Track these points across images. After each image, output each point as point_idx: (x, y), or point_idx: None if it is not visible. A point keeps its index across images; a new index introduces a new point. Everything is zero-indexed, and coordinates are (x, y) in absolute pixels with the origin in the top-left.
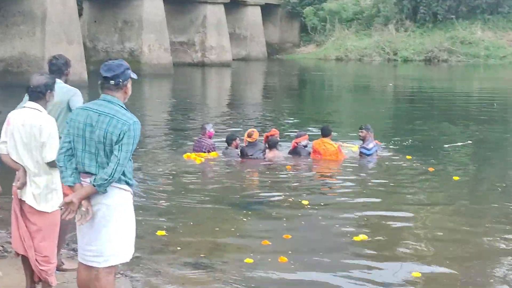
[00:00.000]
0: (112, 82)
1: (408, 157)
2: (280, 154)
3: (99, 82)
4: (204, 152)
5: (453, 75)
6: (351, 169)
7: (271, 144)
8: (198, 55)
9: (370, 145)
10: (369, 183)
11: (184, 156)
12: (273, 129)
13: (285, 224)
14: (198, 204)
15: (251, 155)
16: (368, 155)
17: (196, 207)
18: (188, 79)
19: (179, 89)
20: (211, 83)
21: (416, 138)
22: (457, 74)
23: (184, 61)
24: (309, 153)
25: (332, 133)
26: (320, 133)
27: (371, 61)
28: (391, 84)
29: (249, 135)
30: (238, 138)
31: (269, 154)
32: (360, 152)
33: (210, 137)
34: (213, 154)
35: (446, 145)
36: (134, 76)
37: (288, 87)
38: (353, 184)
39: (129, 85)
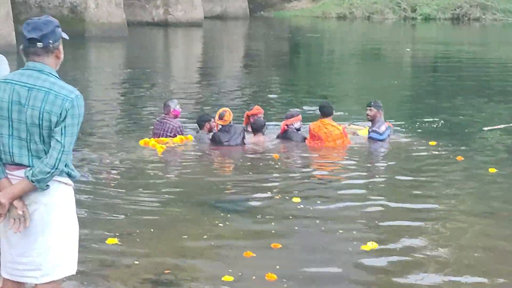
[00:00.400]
0: (40, 44)
1: (432, 143)
2: (266, 139)
3: (21, 46)
4: (168, 136)
5: (488, 38)
6: (357, 158)
7: (255, 127)
8: (159, 12)
9: (382, 128)
10: (380, 176)
11: (141, 142)
12: (256, 106)
13: (273, 231)
14: (160, 204)
15: (226, 142)
16: (380, 140)
17: (157, 208)
18: (146, 43)
19: (134, 56)
20: (177, 48)
21: (441, 118)
22: (492, 36)
23: (141, 20)
24: (304, 138)
25: (334, 112)
26: (318, 112)
27: (383, 20)
28: (408, 50)
29: (221, 117)
30: (212, 119)
31: (252, 139)
32: (369, 137)
33: (175, 117)
34: (177, 139)
35: (485, 128)
36: (65, 36)
37: (276, 53)
38: (360, 177)
39: (61, 48)
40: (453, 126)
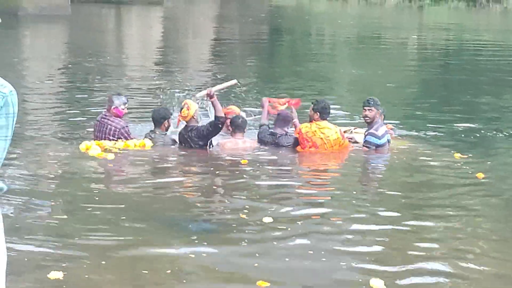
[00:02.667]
0: None
1: (456, 155)
2: (247, 143)
3: None
4: (111, 140)
5: (510, 24)
6: (351, 169)
7: (236, 126)
8: None
9: (381, 131)
10: (378, 193)
11: (82, 149)
12: (230, 107)
13: (256, 263)
14: (110, 228)
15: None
16: (378, 146)
17: (108, 231)
18: (93, 24)
19: (78, 39)
20: (130, 31)
21: (455, 120)
22: None
23: None
24: (295, 142)
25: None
26: (309, 112)
27: (384, 1)
28: (414, 36)
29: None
30: (171, 117)
31: (228, 142)
32: (365, 141)
33: (118, 116)
34: (127, 145)
35: None
36: None
37: (253, 39)
38: (355, 193)
39: None
40: (470, 131)
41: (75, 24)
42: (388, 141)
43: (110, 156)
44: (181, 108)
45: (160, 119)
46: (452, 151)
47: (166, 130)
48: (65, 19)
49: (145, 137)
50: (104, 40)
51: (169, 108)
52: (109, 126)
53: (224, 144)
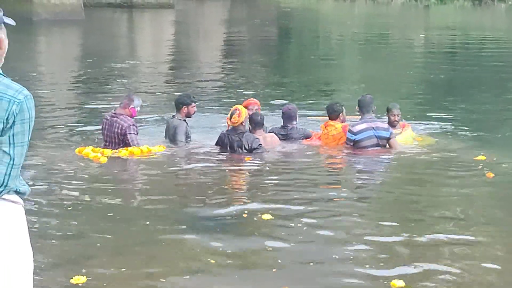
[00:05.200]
0: None
1: (481, 157)
2: (273, 138)
3: None
4: (119, 138)
5: None
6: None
7: (256, 123)
8: None
9: (359, 127)
10: (378, 191)
11: (80, 153)
12: (251, 99)
13: (274, 270)
14: (124, 227)
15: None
16: (355, 141)
17: (123, 234)
18: (106, 28)
19: (92, 43)
20: (143, 33)
21: (463, 119)
22: None
23: (101, 1)
24: (305, 137)
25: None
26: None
27: (391, 0)
28: (422, 36)
29: (230, 116)
30: (193, 104)
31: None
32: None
33: (131, 116)
34: (134, 151)
35: None
36: (10, 21)
37: (262, 41)
38: (359, 194)
39: (3, 36)
40: (476, 129)
41: (89, 28)
42: (378, 136)
43: (103, 160)
44: (232, 114)
45: (178, 104)
46: (475, 152)
47: (187, 116)
48: (79, 23)
49: (167, 119)
50: (117, 44)
51: (190, 96)
52: (118, 124)
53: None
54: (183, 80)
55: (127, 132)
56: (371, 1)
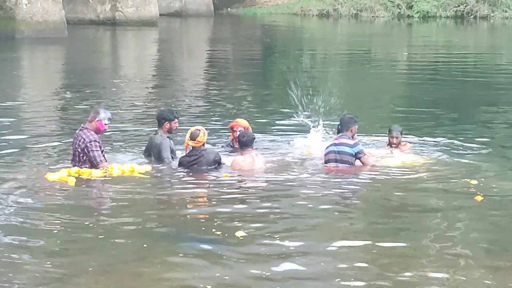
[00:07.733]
0: None
1: (472, 182)
2: (256, 159)
3: None
4: (78, 152)
5: (498, 39)
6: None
7: (242, 143)
8: (105, 8)
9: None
10: (361, 211)
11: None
12: (237, 120)
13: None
14: (109, 245)
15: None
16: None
17: (108, 253)
18: (89, 45)
19: (74, 61)
20: (126, 51)
21: (446, 137)
22: (503, 37)
23: (84, 18)
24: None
25: None
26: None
27: (374, 18)
28: (405, 53)
29: (192, 137)
30: (176, 120)
31: (243, 158)
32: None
33: (98, 131)
34: (126, 170)
35: None
36: None
37: (247, 58)
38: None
39: None
40: (461, 148)
41: (72, 45)
42: (338, 152)
43: (71, 180)
44: (195, 135)
45: (161, 119)
46: (465, 176)
47: (169, 132)
48: (62, 41)
49: (150, 136)
50: (99, 62)
51: (173, 112)
52: (80, 138)
53: (235, 163)
54: (166, 97)
55: (89, 149)
56: (353, 19)
